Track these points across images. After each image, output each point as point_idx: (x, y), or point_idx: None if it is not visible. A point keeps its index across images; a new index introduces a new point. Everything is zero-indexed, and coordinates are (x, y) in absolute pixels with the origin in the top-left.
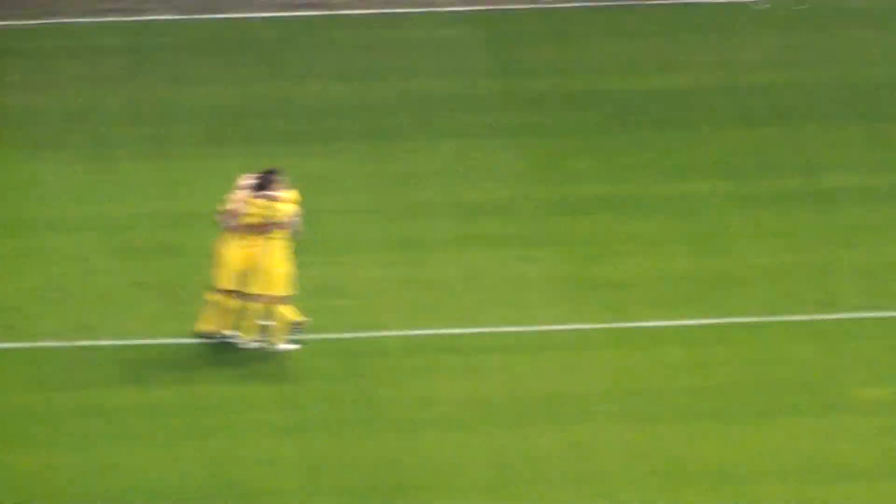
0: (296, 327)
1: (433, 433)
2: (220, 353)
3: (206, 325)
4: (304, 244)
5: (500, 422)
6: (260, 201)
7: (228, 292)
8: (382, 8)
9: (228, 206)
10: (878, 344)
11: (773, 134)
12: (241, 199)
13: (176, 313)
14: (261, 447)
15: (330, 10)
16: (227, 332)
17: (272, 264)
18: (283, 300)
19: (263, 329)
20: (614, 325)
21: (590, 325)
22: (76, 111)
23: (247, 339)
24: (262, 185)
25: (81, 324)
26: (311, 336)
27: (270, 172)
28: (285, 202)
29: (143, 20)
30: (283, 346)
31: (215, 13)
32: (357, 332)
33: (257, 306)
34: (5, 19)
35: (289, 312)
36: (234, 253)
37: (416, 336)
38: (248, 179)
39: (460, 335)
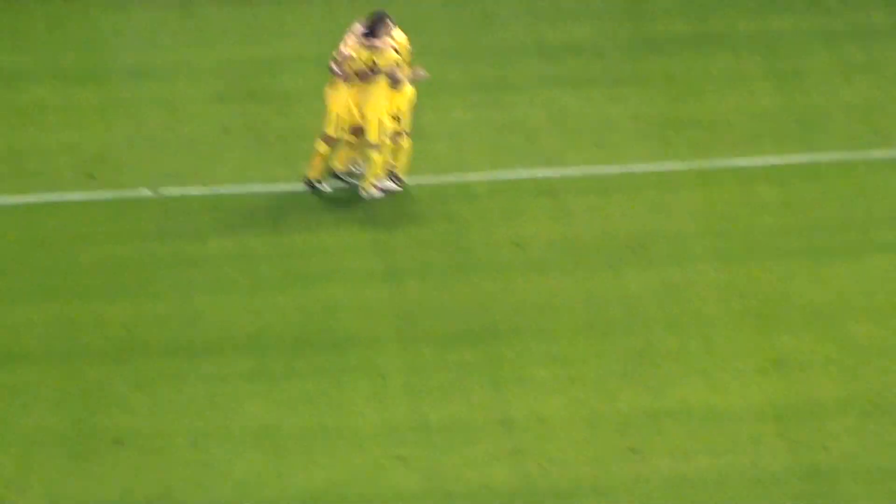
0: (391, 175)
1: (525, 276)
2: (312, 199)
3: (314, 172)
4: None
5: (591, 263)
6: (364, 47)
7: (334, 138)
8: None
9: (337, 52)
10: None
11: None
12: (349, 44)
13: (265, 160)
14: (354, 293)
15: None
16: (334, 174)
17: (370, 111)
18: (376, 147)
19: (357, 173)
20: (702, 164)
21: (678, 164)
22: None
23: (346, 179)
24: (371, 30)
25: (170, 172)
26: (407, 180)
27: (378, 17)
28: (387, 49)
29: None
30: (374, 192)
31: None
32: (446, 176)
33: (357, 151)
34: None
35: (380, 160)
36: (341, 99)
37: (505, 179)
38: (359, 25)
39: (549, 177)
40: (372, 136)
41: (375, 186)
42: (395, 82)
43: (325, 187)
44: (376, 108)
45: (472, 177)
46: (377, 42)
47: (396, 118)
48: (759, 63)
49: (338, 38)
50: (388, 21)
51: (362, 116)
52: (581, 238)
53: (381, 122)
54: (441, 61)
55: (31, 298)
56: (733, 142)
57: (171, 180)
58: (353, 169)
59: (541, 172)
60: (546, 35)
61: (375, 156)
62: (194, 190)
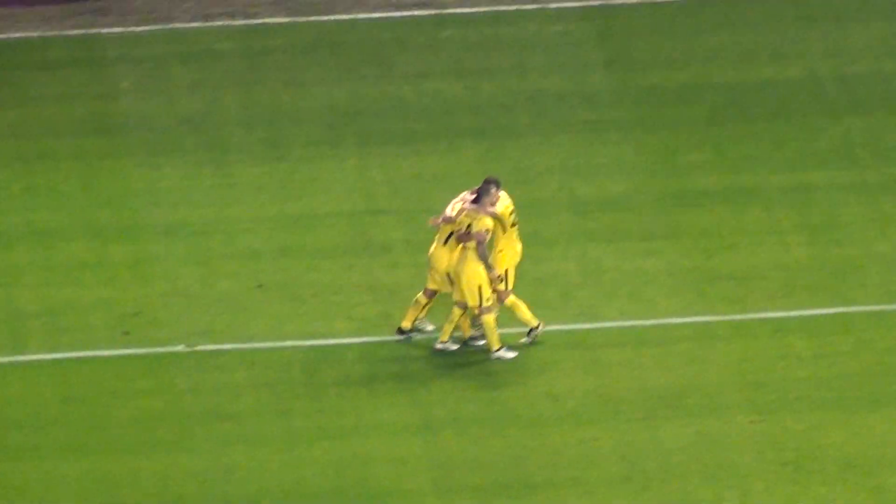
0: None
1: (561, 429)
2: (346, 353)
3: (407, 322)
4: (424, 243)
5: (626, 416)
6: (465, 210)
7: (432, 292)
8: (491, 6)
9: (445, 211)
10: None
11: (887, 121)
12: (454, 205)
13: (299, 315)
14: (389, 447)
15: (439, 9)
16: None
17: (463, 273)
18: (476, 310)
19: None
20: (737, 316)
21: (712, 317)
22: (191, 116)
23: (445, 341)
24: (477, 195)
25: (205, 328)
26: (436, 334)
27: (485, 183)
28: (484, 215)
29: (254, 23)
30: (497, 354)
31: (326, 14)
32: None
33: (456, 311)
34: (115, 26)
35: (490, 321)
36: (440, 256)
37: (542, 334)
38: (468, 193)
39: (583, 330)
40: (470, 299)
41: (499, 350)
42: (477, 245)
43: (450, 346)
44: (469, 271)
45: (507, 329)
46: (477, 207)
47: (500, 278)
48: (792, 216)
49: (370, 193)
50: (493, 188)
51: (455, 281)
52: (616, 390)
53: (480, 288)
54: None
55: (65, 454)
56: (767, 294)
57: (206, 336)
58: (419, 327)
59: (575, 325)
60: (578, 190)
61: (487, 318)
62: (229, 345)
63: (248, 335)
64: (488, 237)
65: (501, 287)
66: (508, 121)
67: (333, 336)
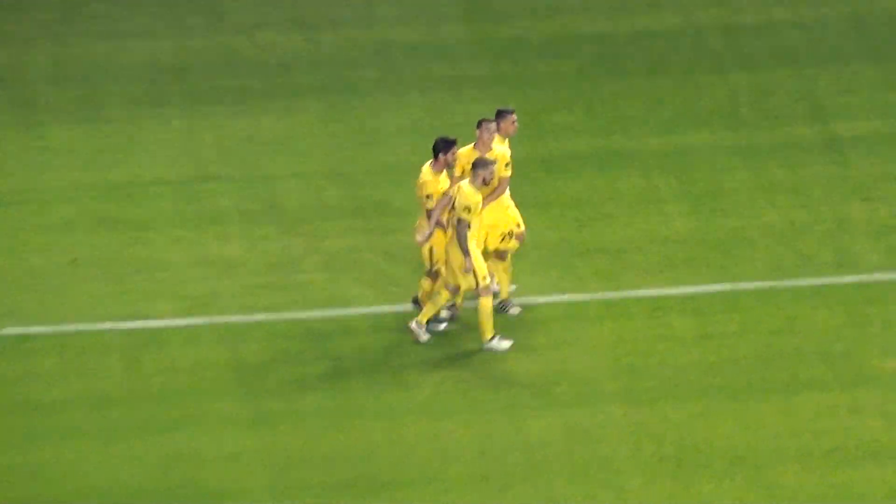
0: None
1: (413, 420)
2: (171, 337)
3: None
4: (258, 214)
5: (486, 407)
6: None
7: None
8: None
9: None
10: None
11: (776, 78)
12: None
13: (118, 294)
14: (219, 442)
15: None
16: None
17: (453, 255)
18: (474, 291)
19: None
20: (611, 294)
21: (583, 295)
22: None
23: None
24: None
25: (10, 308)
26: (272, 316)
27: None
28: (467, 189)
29: None
30: (490, 345)
31: None
32: (322, 311)
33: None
34: None
35: (487, 305)
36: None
37: (389, 312)
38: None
39: None
40: (464, 285)
41: (492, 340)
42: (458, 228)
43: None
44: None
45: (352, 310)
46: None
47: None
48: (672, 183)
49: (199, 157)
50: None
51: (447, 262)
52: (474, 379)
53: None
54: (317, 184)
55: None
56: (645, 269)
57: (13, 318)
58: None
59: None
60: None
61: (483, 301)
62: (38, 328)
63: (60, 316)
64: (472, 218)
65: (467, 280)
66: (353, 76)
67: (157, 317)
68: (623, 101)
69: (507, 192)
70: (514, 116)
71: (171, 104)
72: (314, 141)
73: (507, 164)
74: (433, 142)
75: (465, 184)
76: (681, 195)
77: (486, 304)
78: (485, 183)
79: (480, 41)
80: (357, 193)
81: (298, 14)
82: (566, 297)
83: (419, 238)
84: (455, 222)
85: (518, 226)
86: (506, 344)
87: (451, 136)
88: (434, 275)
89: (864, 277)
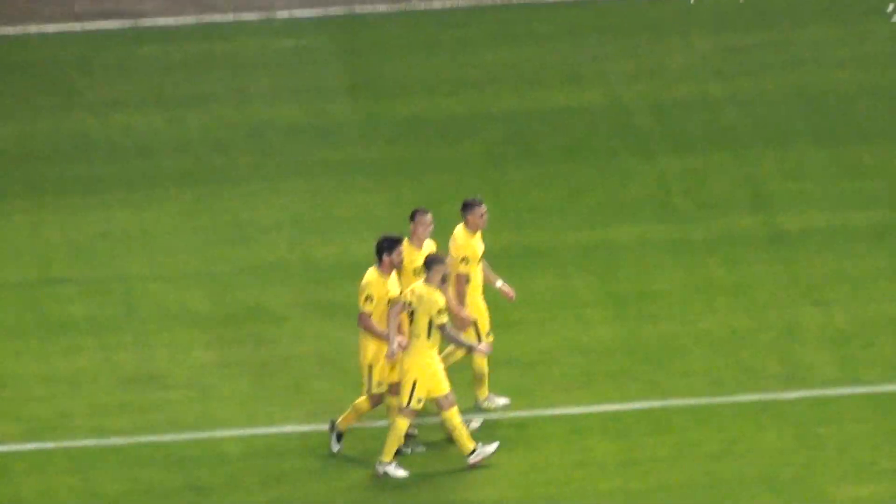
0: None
1: None
2: (13, 463)
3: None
4: (112, 321)
5: None
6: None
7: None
8: (201, 14)
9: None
10: (858, 428)
11: (713, 162)
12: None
13: None
14: None
15: (135, 18)
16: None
17: (405, 365)
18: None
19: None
20: (523, 413)
21: (490, 415)
22: None
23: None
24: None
25: None
26: (129, 440)
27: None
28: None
29: None
30: (386, 469)
31: None
32: (188, 433)
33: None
34: None
35: (401, 426)
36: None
37: (261, 436)
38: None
39: (321, 432)
40: (402, 397)
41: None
42: (442, 332)
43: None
44: (414, 367)
45: (220, 433)
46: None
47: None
48: (592, 284)
49: (45, 257)
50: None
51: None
52: None
53: (414, 385)
54: (179, 287)
55: None
56: (561, 385)
57: None
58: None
59: (312, 427)
60: (314, 252)
61: (400, 421)
62: None
63: None
64: (446, 317)
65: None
66: (223, 162)
67: None
68: (536, 190)
69: None
70: (484, 208)
71: (11, 196)
72: (177, 237)
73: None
74: (376, 242)
75: (421, 286)
76: (603, 298)
77: (402, 423)
78: (444, 281)
79: (370, 120)
80: (227, 298)
81: (159, 90)
82: (470, 418)
83: (394, 350)
84: (439, 328)
85: None
86: (402, 472)
87: (396, 234)
88: (376, 399)
89: (816, 392)
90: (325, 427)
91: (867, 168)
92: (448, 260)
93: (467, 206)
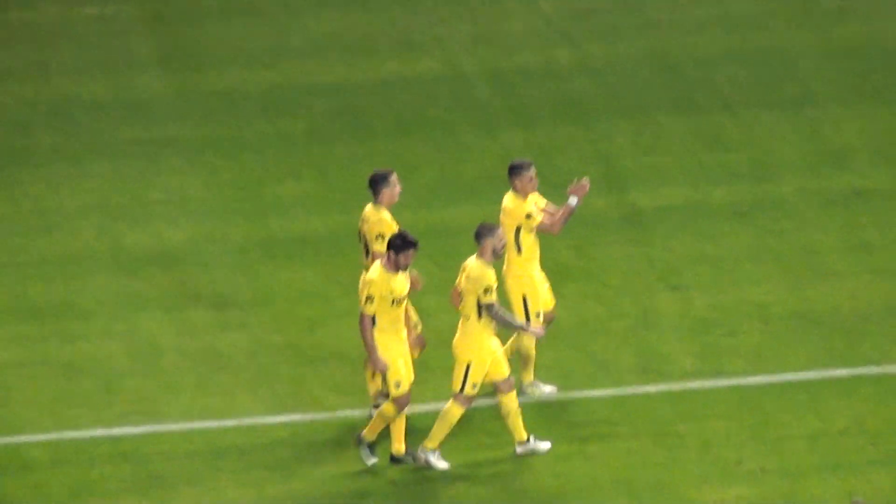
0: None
1: None
2: None
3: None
4: None
5: None
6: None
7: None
8: None
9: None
10: (721, 425)
11: (560, 136)
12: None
13: None
14: None
15: None
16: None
17: (457, 349)
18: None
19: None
20: (357, 412)
21: (315, 414)
22: None
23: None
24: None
25: None
26: None
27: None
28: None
29: None
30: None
31: None
32: None
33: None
34: None
35: (455, 413)
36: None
37: (69, 441)
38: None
39: (133, 436)
40: (454, 384)
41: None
42: (490, 313)
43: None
44: (468, 349)
45: (25, 439)
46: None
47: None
48: (429, 269)
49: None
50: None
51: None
52: None
53: (468, 368)
54: None
55: None
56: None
57: None
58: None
59: (122, 430)
60: (125, 238)
61: (454, 409)
62: None
63: None
64: (493, 297)
65: (473, 385)
66: (23, 143)
67: None
68: (366, 168)
69: None
70: (533, 171)
71: None
72: None
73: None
74: (389, 240)
75: (470, 261)
76: (442, 285)
77: (456, 411)
78: (496, 255)
79: (183, 95)
80: (29, 291)
81: None
82: (297, 418)
83: (379, 365)
84: (485, 309)
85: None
86: (443, 464)
87: (410, 236)
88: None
89: (675, 386)
90: (138, 430)
91: (729, 140)
92: (500, 231)
93: (514, 169)
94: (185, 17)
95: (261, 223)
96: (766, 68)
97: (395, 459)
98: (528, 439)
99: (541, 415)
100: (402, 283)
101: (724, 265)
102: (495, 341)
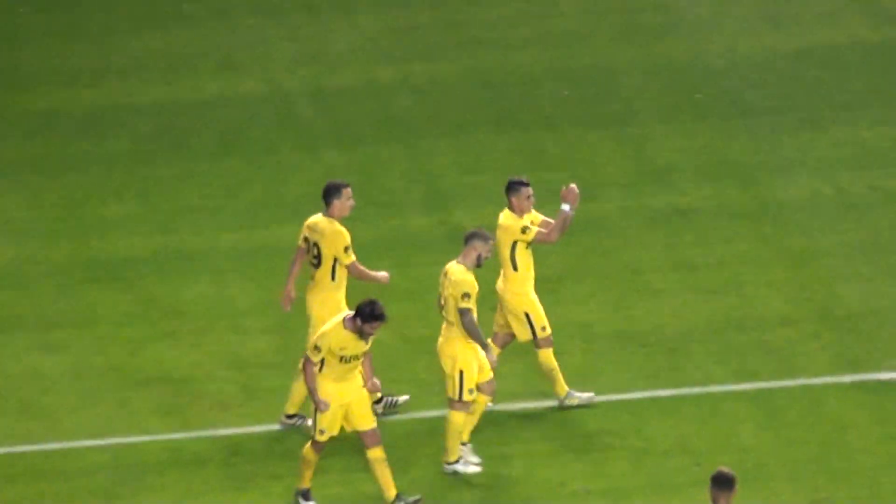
0: None
1: None
2: None
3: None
4: None
5: None
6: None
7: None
8: None
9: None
10: (547, 447)
11: (383, 154)
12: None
13: None
14: None
15: None
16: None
17: (443, 355)
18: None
19: None
20: (179, 435)
21: (146, 436)
22: None
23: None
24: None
25: None
26: None
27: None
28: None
29: None
30: (454, 467)
31: None
32: None
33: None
34: None
35: (458, 420)
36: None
37: None
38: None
39: None
40: (449, 391)
41: (456, 462)
42: (462, 320)
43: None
44: (453, 355)
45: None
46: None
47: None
48: (249, 291)
49: None
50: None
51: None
52: None
53: (461, 375)
54: None
55: None
56: (217, 401)
57: None
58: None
59: None
60: None
61: (454, 415)
62: None
63: None
64: (471, 304)
65: (469, 391)
66: None
67: None
68: (189, 188)
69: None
70: (530, 190)
71: None
72: None
73: None
74: (359, 306)
75: (451, 265)
76: (263, 305)
77: (457, 418)
78: (479, 263)
79: (3, 114)
80: None
81: None
82: (119, 440)
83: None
84: (459, 313)
85: None
86: (473, 468)
87: (380, 309)
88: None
89: (505, 407)
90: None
91: (552, 158)
92: (492, 242)
93: (512, 187)
94: (5, 37)
95: (84, 244)
96: (589, 86)
97: None
98: (458, 460)
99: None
100: (357, 345)
101: (548, 284)
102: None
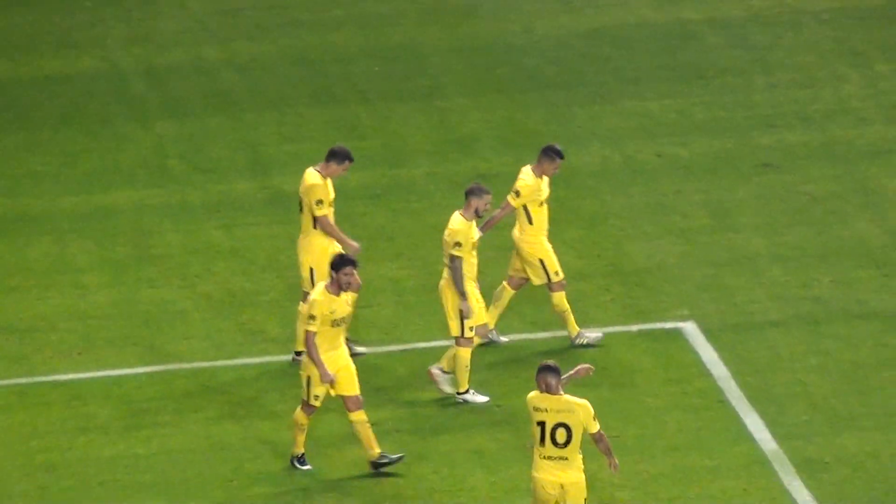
0: None
1: None
2: None
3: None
4: None
5: None
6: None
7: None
8: None
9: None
10: None
11: (210, 126)
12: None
13: None
14: None
15: None
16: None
17: (444, 297)
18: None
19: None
20: (21, 380)
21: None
22: None
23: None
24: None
25: None
26: None
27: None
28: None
29: None
30: (465, 396)
31: None
32: None
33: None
34: None
35: (465, 356)
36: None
37: None
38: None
39: None
40: (452, 330)
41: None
42: (450, 266)
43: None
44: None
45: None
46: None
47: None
48: (90, 249)
49: None
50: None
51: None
52: None
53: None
54: None
55: None
56: (60, 351)
57: None
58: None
59: None
60: None
61: (461, 352)
62: None
63: None
64: (461, 252)
65: (470, 328)
66: None
67: None
68: (31, 156)
69: None
70: (559, 162)
71: None
72: None
73: None
74: (330, 261)
75: (456, 215)
76: (101, 263)
77: (464, 354)
78: (478, 214)
79: None
80: None
81: None
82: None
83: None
84: (447, 258)
85: None
86: (482, 398)
87: (348, 255)
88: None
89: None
90: None
91: (365, 128)
92: (488, 196)
93: (546, 152)
94: None
95: None
96: (399, 63)
97: (375, 465)
98: (468, 389)
99: (195, 381)
100: (343, 305)
101: (361, 244)
102: (473, 286)
